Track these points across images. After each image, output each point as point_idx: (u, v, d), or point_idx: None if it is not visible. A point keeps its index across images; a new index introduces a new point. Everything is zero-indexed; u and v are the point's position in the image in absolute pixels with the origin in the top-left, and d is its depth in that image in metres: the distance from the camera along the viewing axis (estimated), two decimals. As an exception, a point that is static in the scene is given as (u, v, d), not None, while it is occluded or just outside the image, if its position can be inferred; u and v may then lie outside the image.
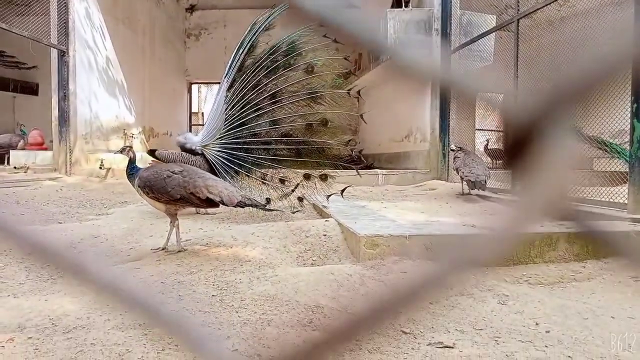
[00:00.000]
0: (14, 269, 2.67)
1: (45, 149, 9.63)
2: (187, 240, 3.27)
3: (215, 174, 4.32)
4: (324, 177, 4.36)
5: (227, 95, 4.52)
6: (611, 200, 4.22)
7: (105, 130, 9.81)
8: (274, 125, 4.45)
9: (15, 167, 8.61)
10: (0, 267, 2.71)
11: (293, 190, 4.35)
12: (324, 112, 4.37)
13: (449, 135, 7.83)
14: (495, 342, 1.74)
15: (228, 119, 4.49)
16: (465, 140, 8.12)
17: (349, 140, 4.49)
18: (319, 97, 4.36)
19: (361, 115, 4.87)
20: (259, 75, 4.40)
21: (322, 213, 4.31)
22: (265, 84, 4.41)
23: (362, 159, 4.50)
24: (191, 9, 15.08)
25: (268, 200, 4.32)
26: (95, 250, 3.18)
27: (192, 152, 4.57)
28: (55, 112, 8.40)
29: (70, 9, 8.27)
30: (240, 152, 4.46)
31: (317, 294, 2.17)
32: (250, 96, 4.42)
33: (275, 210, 4.07)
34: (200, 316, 1.93)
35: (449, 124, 7.86)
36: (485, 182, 5.42)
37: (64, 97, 8.32)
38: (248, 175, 4.44)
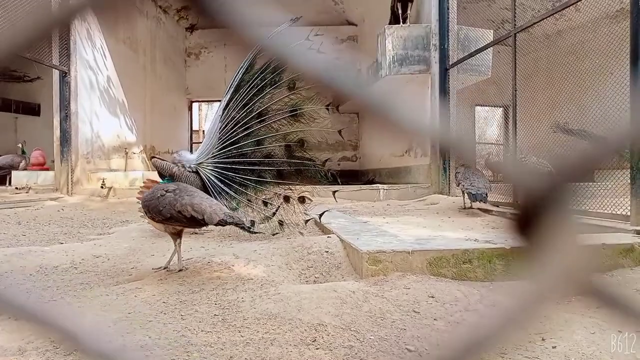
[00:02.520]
0: (14, 291, 2.66)
1: (47, 169, 9.65)
2: (188, 259, 3.25)
3: (208, 193, 4.28)
4: (301, 200, 4.28)
5: (222, 114, 4.50)
6: (614, 212, 4.20)
7: (106, 149, 9.85)
8: (258, 145, 4.41)
9: (17, 188, 8.62)
10: (1, 289, 2.70)
11: (274, 213, 4.28)
12: (302, 130, 4.31)
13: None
14: (502, 357, 1.72)
15: (221, 138, 4.46)
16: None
17: (325, 161, 4.46)
18: (299, 115, 4.30)
19: (339, 132, 4.81)
20: (250, 93, 4.37)
21: (324, 229, 4.30)
22: (254, 103, 4.37)
23: (337, 179, 4.40)
24: (191, 28, 15.26)
25: (252, 223, 4.29)
26: (96, 270, 3.16)
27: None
28: (57, 132, 8.45)
29: (72, 30, 8.36)
30: (230, 172, 4.41)
31: (320, 312, 2.16)
32: (240, 115, 4.39)
33: (259, 232, 4.05)
34: (202, 336, 1.91)
35: (449, 138, 7.89)
36: (487, 194, 5.42)
37: (65, 117, 8.38)
38: (235, 196, 4.37)
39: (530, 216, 0.37)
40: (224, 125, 4.46)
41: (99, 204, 7.30)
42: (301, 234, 4.15)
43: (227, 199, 4.33)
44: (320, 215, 4.44)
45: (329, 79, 0.38)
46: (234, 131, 4.41)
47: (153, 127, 12.44)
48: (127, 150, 10.76)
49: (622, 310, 0.38)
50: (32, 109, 14.04)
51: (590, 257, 0.37)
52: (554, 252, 0.36)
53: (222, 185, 4.38)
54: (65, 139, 8.40)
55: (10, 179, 9.44)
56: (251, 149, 4.41)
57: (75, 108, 8.50)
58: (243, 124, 4.39)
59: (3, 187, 8.93)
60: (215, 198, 4.27)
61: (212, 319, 2.11)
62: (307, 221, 4.29)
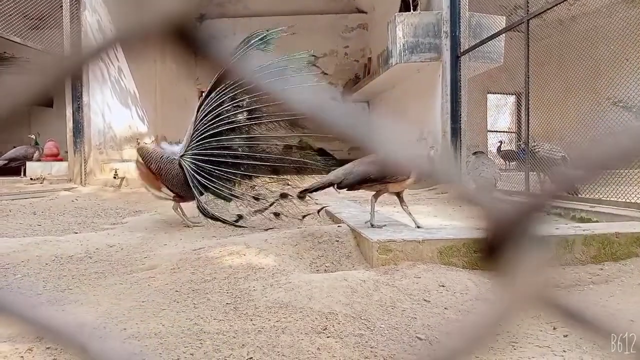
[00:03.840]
0: (31, 279, 2.71)
1: (61, 160, 9.77)
2: (200, 248, 3.28)
3: (189, 186, 4.24)
4: (301, 196, 4.01)
5: (202, 105, 4.36)
6: (628, 200, 4.15)
7: (118, 140, 9.94)
8: (248, 141, 4.24)
9: (31, 179, 8.75)
10: (18, 277, 2.76)
11: (266, 208, 4.18)
12: (304, 135, 4.10)
13: (460, 138, 7.79)
14: (513, 347, 1.72)
15: (198, 129, 4.34)
16: (477, 143, 8.08)
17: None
18: (298, 122, 4.03)
19: None
20: (237, 90, 4.16)
21: (334, 219, 4.31)
22: (242, 99, 4.19)
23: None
24: (201, 18, 15.24)
25: (240, 217, 4.23)
26: (110, 259, 3.21)
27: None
28: (69, 124, 8.55)
29: (83, 22, 8.41)
30: (208, 164, 4.27)
31: (331, 301, 2.17)
32: (224, 108, 4.24)
33: (244, 227, 4.11)
34: (214, 324, 1.94)
35: (460, 126, 7.83)
36: (495, 184, 5.38)
37: (78, 108, 8.47)
38: (217, 190, 4.23)
39: (498, 241, 0.38)
40: (203, 116, 4.32)
41: (112, 194, 7.39)
42: (320, 222, 4.15)
43: (205, 193, 4.27)
44: (319, 210, 4.29)
45: (322, 120, 0.38)
46: (214, 123, 4.28)
47: (164, 117, 12.49)
48: (138, 141, 10.83)
49: (584, 326, 0.39)
50: (45, 101, 14.17)
51: (554, 277, 0.39)
52: (519, 273, 0.38)
53: (199, 178, 4.26)
54: (78, 130, 8.50)
55: (24, 169, 9.58)
56: (238, 144, 4.25)
57: (88, 99, 8.57)
58: (227, 117, 4.25)
59: (18, 178, 9.06)
60: (195, 191, 4.21)
61: (224, 308, 2.14)
62: (304, 216, 4.18)
